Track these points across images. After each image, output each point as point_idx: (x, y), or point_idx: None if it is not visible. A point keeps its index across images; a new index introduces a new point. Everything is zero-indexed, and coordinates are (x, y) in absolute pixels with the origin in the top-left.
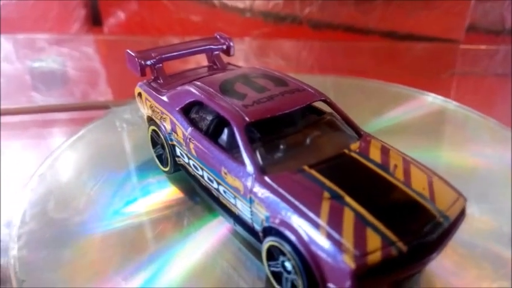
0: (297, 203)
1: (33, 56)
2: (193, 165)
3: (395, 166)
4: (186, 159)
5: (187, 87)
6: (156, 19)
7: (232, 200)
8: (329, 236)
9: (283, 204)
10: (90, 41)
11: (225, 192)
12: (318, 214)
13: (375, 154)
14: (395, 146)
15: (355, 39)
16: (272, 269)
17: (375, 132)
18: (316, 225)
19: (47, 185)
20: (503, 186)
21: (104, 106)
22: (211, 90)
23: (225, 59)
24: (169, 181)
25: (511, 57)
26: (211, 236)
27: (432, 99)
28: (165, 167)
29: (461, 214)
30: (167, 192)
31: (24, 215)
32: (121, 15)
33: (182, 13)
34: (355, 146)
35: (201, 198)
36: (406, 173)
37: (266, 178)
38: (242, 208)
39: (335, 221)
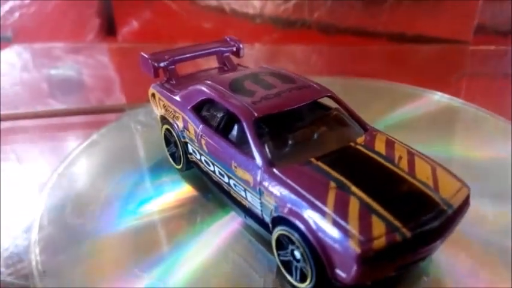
0: (304, 192)
1: (49, 65)
2: (205, 161)
3: (400, 157)
4: (198, 156)
5: (198, 86)
6: (169, 27)
7: (242, 193)
8: (335, 223)
9: (291, 195)
10: (105, 49)
11: (235, 185)
12: (324, 203)
13: (380, 146)
14: (405, 142)
15: (364, 43)
16: (282, 258)
17: (384, 130)
18: (323, 213)
19: (64, 189)
20: None
21: (119, 109)
22: (222, 88)
23: (236, 60)
24: (182, 180)
25: None
26: (223, 231)
27: (439, 98)
28: (178, 165)
29: (465, 203)
30: (180, 191)
31: (42, 219)
32: (135, 24)
33: (194, 21)
34: (360, 139)
35: (213, 195)
36: (411, 163)
37: (274, 170)
38: (252, 200)
39: (341, 209)
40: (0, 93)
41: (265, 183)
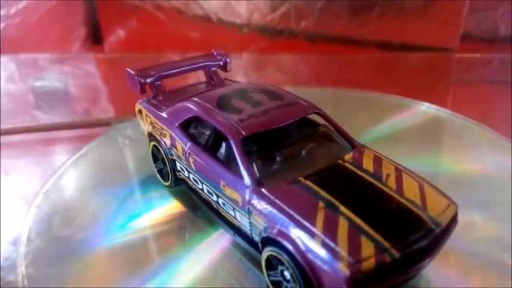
0: (293, 213)
1: (35, 75)
2: (193, 179)
3: (388, 175)
4: (186, 173)
5: (185, 103)
6: (155, 36)
7: (231, 212)
8: (324, 245)
9: (280, 215)
10: (91, 59)
11: (224, 204)
12: (313, 223)
13: (368, 164)
14: (393, 154)
15: (351, 51)
16: (272, 278)
17: (373, 141)
18: (312, 234)
19: (52, 202)
20: (504, 193)
21: (105, 123)
22: (209, 105)
23: (224, 74)
24: (171, 195)
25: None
26: (213, 248)
27: (426, 108)
28: (166, 182)
29: (453, 220)
30: (169, 206)
31: (30, 232)
32: (121, 33)
33: (181, 30)
34: (348, 156)
35: (202, 212)
36: (398, 181)
37: (263, 190)
38: (241, 219)
39: (330, 230)
40: None
41: (254, 203)
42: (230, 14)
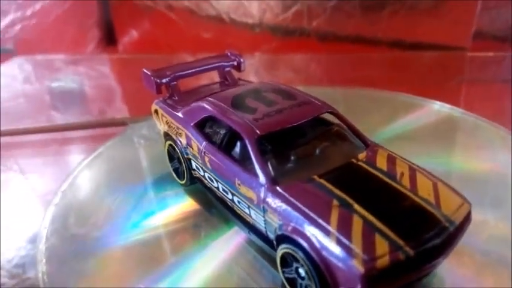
0: (307, 211)
1: (51, 76)
2: (209, 177)
3: (402, 174)
4: (202, 172)
5: (200, 103)
6: (168, 37)
7: (246, 210)
8: (339, 242)
9: (294, 213)
10: (106, 60)
11: (239, 202)
12: (328, 221)
13: (382, 163)
14: (406, 153)
15: (363, 50)
16: (287, 275)
17: (386, 140)
18: (327, 232)
19: (68, 201)
20: None
21: (121, 123)
22: (224, 105)
23: (237, 74)
24: (186, 193)
25: None
26: (227, 245)
27: (438, 107)
28: (181, 180)
29: (467, 219)
30: (184, 205)
31: (47, 230)
32: (134, 34)
33: (193, 30)
34: (362, 155)
35: (216, 210)
36: (412, 180)
37: (278, 188)
38: (256, 217)
39: (344, 228)
40: (0, 106)
41: (269, 201)
42: (242, 14)
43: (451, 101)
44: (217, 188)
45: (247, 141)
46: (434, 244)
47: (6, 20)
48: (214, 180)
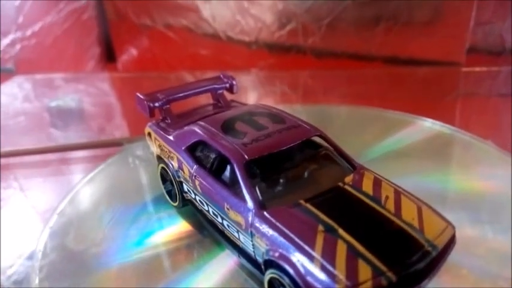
0: (293, 236)
1: (51, 95)
2: (200, 200)
3: (387, 197)
4: (193, 195)
5: (191, 127)
6: (166, 55)
7: (235, 234)
8: (323, 268)
9: (281, 238)
10: (105, 78)
11: (228, 226)
12: (312, 247)
13: (368, 186)
14: (398, 171)
15: (358, 66)
16: None
17: (377, 158)
18: (311, 258)
19: (67, 219)
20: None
21: (117, 143)
22: (214, 130)
23: (230, 96)
24: (179, 215)
25: None
26: (220, 268)
27: (430, 125)
28: (174, 202)
29: (450, 242)
30: (178, 226)
31: (45, 247)
32: (133, 52)
33: (191, 48)
34: (349, 178)
35: (208, 232)
36: (397, 204)
37: (265, 213)
38: (244, 241)
39: (329, 253)
40: (0, 125)
41: (256, 226)
42: (239, 31)
43: (447, 116)
44: (208, 211)
45: (235, 166)
46: (417, 269)
47: (6, 40)
48: (204, 203)
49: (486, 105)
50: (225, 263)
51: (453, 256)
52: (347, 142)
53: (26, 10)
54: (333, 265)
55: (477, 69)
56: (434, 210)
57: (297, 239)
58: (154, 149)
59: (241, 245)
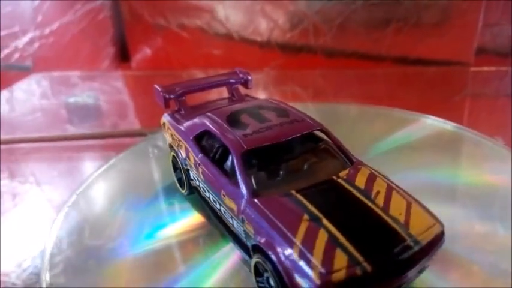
0: (278, 223)
1: (67, 92)
2: (203, 187)
3: (378, 192)
4: (198, 182)
5: (200, 117)
6: (180, 54)
7: (230, 220)
8: (301, 254)
9: (266, 225)
10: (119, 76)
11: (224, 212)
12: (294, 234)
13: (361, 181)
14: (408, 164)
15: (368, 66)
16: (260, 285)
17: (387, 152)
18: (292, 244)
19: (82, 212)
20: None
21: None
22: (219, 121)
23: (245, 91)
24: (192, 207)
25: None
26: (226, 260)
27: (439, 123)
28: (183, 189)
29: (437, 239)
30: (190, 218)
31: (62, 242)
32: (147, 51)
33: (204, 48)
34: (343, 172)
35: (212, 220)
36: (387, 199)
37: (256, 200)
38: (237, 227)
39: (308, 241)
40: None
41: (247, 212)
42: (251, 32)
43: (455, 116)
44: (209, 198)
45: (233, 155)
46: (396, 262)
47: (25, 39)
48: (207, 190)
49: (494, 105)
50: (230, 255)
51: (464, 252)
52: (356, 137)
53: (45, 9)
54: (311, 252)
55: (485, 69)
56: (424, 208)
57: (281, 226)
58: (168, 138)
59: (235, 231)
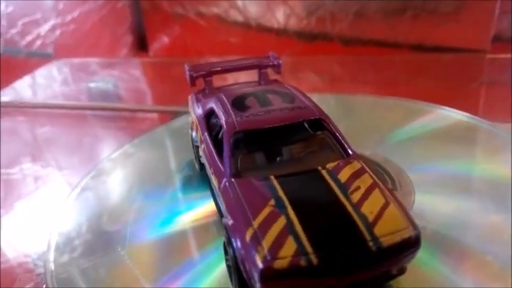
0: (244, 204)
1: (87, 78)
2: (205, 164)
3: (357, 188)
4: (203, 159)
5: (212, 97)
6: (197, 42)
7: (217, 198)
8: (253, 237)
9: (235, 204)
10: (138, 64)
11: (213, 189)
12: (254, 217)
13: (345, 174)
14: (424, 154)
15: (384, 53)
16: (227, 263)
17: (403, 141)
18: (248, 226)
19: (99, 198)
20: None
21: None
22: (225, 101)
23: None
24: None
25: None
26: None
27: (454, 114)
28: (197, 165)
29: (403, 244)
30: (207, 204)
31: (81, 227)
32: (165, 39)
33: (221, 35)
34: (331, 164)
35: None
36: (364, 196)
37: (233, 180)
38: (220, 205)
39: (265, 225)
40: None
41: (222, 191)
42: (268, 19)
43: (471, 103)
44: (207, 174)
45: (225, 134)
46: (348, 259)
47: (47, 26)
48: (206, 167)
49: (510, 92)
50: None
51: (477, 243)
52: (372, 127)
53: None
54: (263, 236)
55: (502, 56)
56: (403, 211)
57: (246, 207)
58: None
59: (221, 208)
